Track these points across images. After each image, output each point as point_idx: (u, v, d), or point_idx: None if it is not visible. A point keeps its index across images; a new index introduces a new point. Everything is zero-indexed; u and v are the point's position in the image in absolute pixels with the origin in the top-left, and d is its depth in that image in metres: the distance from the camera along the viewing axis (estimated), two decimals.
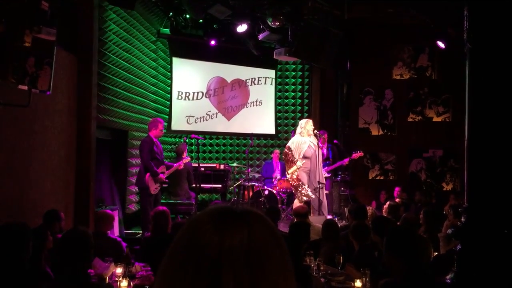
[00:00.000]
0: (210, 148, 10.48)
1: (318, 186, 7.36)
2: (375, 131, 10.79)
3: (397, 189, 9.61)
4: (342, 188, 9.15)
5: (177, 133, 9.97)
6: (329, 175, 8.65)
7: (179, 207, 7.71)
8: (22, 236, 3.02)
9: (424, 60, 10.72)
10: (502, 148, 3.63)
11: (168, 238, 3.65)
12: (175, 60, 9.88)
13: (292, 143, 7.66)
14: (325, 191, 7.91)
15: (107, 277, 3.60)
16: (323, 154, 7.95)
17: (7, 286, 2.85)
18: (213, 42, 9.07)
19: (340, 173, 9.20)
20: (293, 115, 10.90)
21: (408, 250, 2.56)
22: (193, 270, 0.78)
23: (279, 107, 10.95)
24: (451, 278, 3.63)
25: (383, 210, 6.53)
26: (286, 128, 10.89)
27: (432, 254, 3.97)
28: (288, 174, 7.58)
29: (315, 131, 7.69)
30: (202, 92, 10.23)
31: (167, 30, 9.09)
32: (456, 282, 3.58)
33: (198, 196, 8.27)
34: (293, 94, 10.93)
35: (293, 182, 7.54)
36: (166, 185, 7.53)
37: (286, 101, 10.97)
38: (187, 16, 8.61)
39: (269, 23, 7.70)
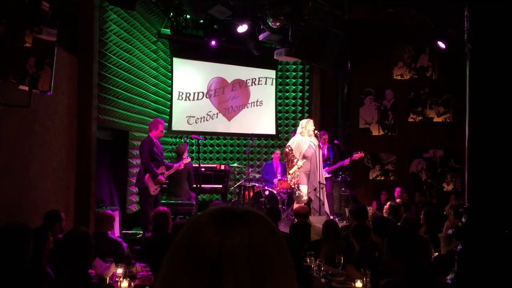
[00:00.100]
0: (210, 148, 10.48)
1: (318, 186, 7.36)
2: (375, 131, 10.78)
3: (397, 189, 9.60)
4: (343, 189, 9.15)
5: (178, 133, 9.97)
6: (329, 175, 8.65)
7: (180, 208, 7.71)
8: (22, 236, 3.02)
9: (424, 60, 10.71)
10: (503, 148, 3.62)
11: (168, 239, 3.65)
12: (176, 61, 9.88)
13: (292, 142, 7.67)
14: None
15: (107, 278, 3.61)
16: (323, 155, 7.95)
17: (8, 286, 2.85)
18: (213, 43, 9.07)
19: (340, 173, 9.20)
20: (293, 115, 10.90)
21: (408, 250, 2.55)
22: (194, 270, 0.78)
23: (280, 108, 10.95)
24: (451, 279, 3.63)
25: (384, 211, 6.53)
26: (286, 129, 10.89)
27: (432, 255, 3.97)
28: (290, 174, 7.58)
29: (316, 131, 7.69)
30: (203, 93, 10.23)
31: (168, 31, 9.10)
32: (456, 282, 3.57)
33: (199, 196, 8.27)
34: (294, 94, 10.93)
35: (292, 183, 7.55)
36: (166, 185, 7.53)
37: (287, 101, 10.97)
38: (188, 16, 8.61)
39: (270, 23, 7.69)
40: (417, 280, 2.51)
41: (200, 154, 8.20)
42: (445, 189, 10.50)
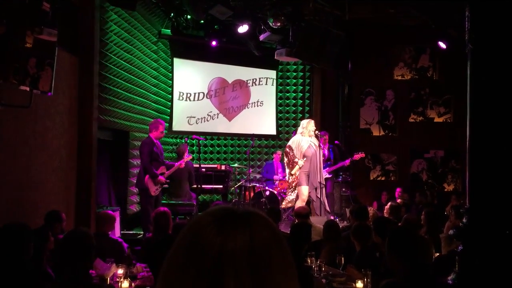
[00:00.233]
0: (211, 148, 10.48)
1: (319, 186, 7.37)
2: (376, 131, 10.78)
3: (398, 190, 9.59)
4: (344, 189, 9.15)
5: (178, 133, 9.97)
6: (330, 175, 8.65)
7: (180, 208, 7.71)
8: (23, 237, 3.02)
9: (425, 60, 10.71)
10: (504, 148, 3.62)
11: (169, 239, 3.65)
12: (176, 61, 9.88)
13: (292, 142, 7.67)
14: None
15: (108, 278, 3.61)
16: (324, 155, 7.95)
17: (9, 287, 2.86)
18: (214, 43, 9.08)
19: (341, 173, 9.20)
20: (294, 115, 10.90)
21: (409, 251, 2.55)
22: (195, 271, 0.77)
23: (280, 108, 10.95)
24: (452, 279, 3.63)
25: (385, 211, 6.52)
26: (287, 129, 10.89)
27: (433, 255, 3.97)
28: (292, 175, 7.57)
29: (316, 131, 7.69)
30: (203, 93, 10.23)
31: (168, 31, 9.10)
32: (457, 283, 3.57)
33: (199, 197, 8.27)
34: (294, 94, 10.93)
35: (291, 183, 7.58)
36: (167, 186, 7.53)
37: (287, 101, 10.96)
38: (188, 16, 8.62)
39: (270, 23, 7.70)
40: (418, 281, 2.51)
41: (200, 155, 8.19)
42: (446, 190, 10.49)
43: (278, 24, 7.57)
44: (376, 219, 4.78)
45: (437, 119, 10.66)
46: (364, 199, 9.80)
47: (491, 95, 3.67)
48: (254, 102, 10.73)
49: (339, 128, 10.48)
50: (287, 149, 7.66)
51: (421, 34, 9.63)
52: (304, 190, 7.48)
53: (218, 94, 10.39)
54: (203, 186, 8.24)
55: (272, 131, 10.85)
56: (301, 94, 10.91)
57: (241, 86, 10.62)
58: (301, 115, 10.74)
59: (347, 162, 8.68)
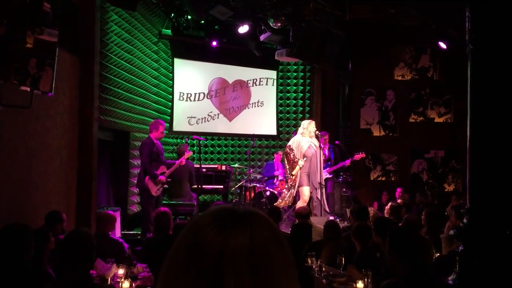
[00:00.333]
0: (211, 149, 10.48)
1: (318, 187, 7.37)
2: (376, 132, 10.78)
3: (398, 190, 9.59)
4: (344, 189, 9.14)
5: (179, 134, 9.97)
6: (330, 176, 8.65)
7: (181, 208, 7.71)
8: (23, 237, 3.02)
9: (425, 60, 10.71)
10: (505, 148, 3.62)
11: (169, 239, 3.65)
12: (177, 61, 9.89)
13: (293, 142, 7.67)
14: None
15: (109, 278, 3.61)
16: (324, 155, 7.95)
17: (9, 287, 2.86)
18: (214, 43, 9.08)
19: (341, 174, 9.19)
20: (294, 116, 10.90)
21: (410, 251, 2.55)
22: (195, 271, 0.77)
23: (281, 108, 10.95)
24: (453, 279, 3.63)
25: (385, 211, 6.52)
26: (287, 129, 10.88)
27: (434, 255, 3.97)
28: (293, 175, 7.57)
29: (317, 132, 7.69)
30: (204, 93, 10.23)
31: (169, 31, 9.10)
32: (458, 283, 3.57)
33: (200, 197, 8.27)
34: (295, 95, 10.93)
35: (289, 182, 7.59)
36: (167, 186, 7.53)
37: (288, 102, 10.96)
38: (189, 17, 8.62)
39: (271, 24, 7.69)
40: (419, 281, 2.51)
41: (201, 155, 8.19)
42: (446, 190, 10.49)
43: (279, 24, 7.57)
44: (377, 219, 4.78)
45: (437, 119, 10.66)
46: (364, 199, 9.80)
47: (492, 95, 3.67)
48: (255, 102, 10.73)
49: (340, 128, 10.48)
50: (288, 149, 7.66)
51: (422, 34, 9.63)
52: (305, 190, 7.48)
53: (219, 95, 10.39)
54: (203, 186, 8.24)
55: (273, 131, 10.85)
56: (302, 94, 10.91)
57: (242, 86, 10.62)
58: (301, 115, 10.74)
59: (348, 162, 8.68)
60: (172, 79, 9.82)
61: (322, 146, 7.79)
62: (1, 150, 4.61)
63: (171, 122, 9.74)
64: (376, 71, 10.61)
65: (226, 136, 10.54)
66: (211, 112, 10.30)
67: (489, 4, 3.69)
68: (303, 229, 4.30)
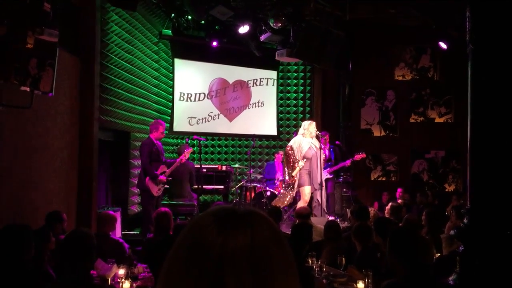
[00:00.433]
0: (212, 149, 10.48)
1: (319, 187, 7.37)
2: (377, 132, 10.77)
3: (399, 190, 9.59)
4: (344, 189, 9.14)
5: (179, 134, 9.97)
6: (331, 176, 8.65)
7: (181, 209, 7.71)
8: (23, 237, 3.02)
9: (426, 61, 10.70)
10: (505, 149, 3.62)
11: (170, 240, 3.65)
12: (177, 61, 9.89)
13: (294, 142, 7.66)
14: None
15: (109, 279, 3.61)
16: (325, 155, 7.95)
17: (9, 287, 2.86)
18: (215, 43, 9.08)
19: (342, 174, 9.19)
20: (295, 116, 10.90)
21: (410, 251, 2.55)
22: (196, 271, 0.77)
23: (281, 108, 10.94)
24: (453, 280, 3.62)
25: (386, 211, 6.52)
26: (288, 129, 10.88)
27: (434, 256, 3.97)
28: (293, 176, 7.57)
29: (317, 132, 7.69)
30: (204, 93, 10.23)
31: (169, 32, 9.10)
32: (458, 283, 3.57)
33: (200, 197, 8.27)
34: (295, 95, 10.93)
35: (287, 182, 7.59)
36: (168, 186, 7.53)
37: (288, 102, 10.96)
38: (189, 17, 8.62)
39: (271, 24, 7.69)
40: (419, 281, 2.50)
41: (201, 155, 8.19)
42: (446, 190, 10.49)
43: (279, 24, 7.57)
44: (377, 220, 4.78)
45: (438, 120, 10.66)
46: (365, 200, 9.79)
47: (492, 96, 3.67)
48: (255, 103, 10.73)
49: (340, 128, 10.47)
50: (288, 150, 7.66)
51: (422, 34, 9.63)
52: (306, 190, 7.48)
53: (219, 95, 10.39)
54: (204, 186, 8.24)
55: (273, 131, 10.85)
56: (302, 95, 10.91)
57: (242, 86, 10.62)
58: (301, 116, 10.74)
59: (348, 162, 8.67)
60: (173, 79, 9.82)
61: (323, 146, 7.78)
62: (1, 150, 4.61)
63: (171, 122, 9.74)
64: (377, 71, 10.61)
65: (226, 136, 10.54)
66: (212, 112, 10.30)
67: (489, 4, 3.69)
68: (303, 229, 4.30)
